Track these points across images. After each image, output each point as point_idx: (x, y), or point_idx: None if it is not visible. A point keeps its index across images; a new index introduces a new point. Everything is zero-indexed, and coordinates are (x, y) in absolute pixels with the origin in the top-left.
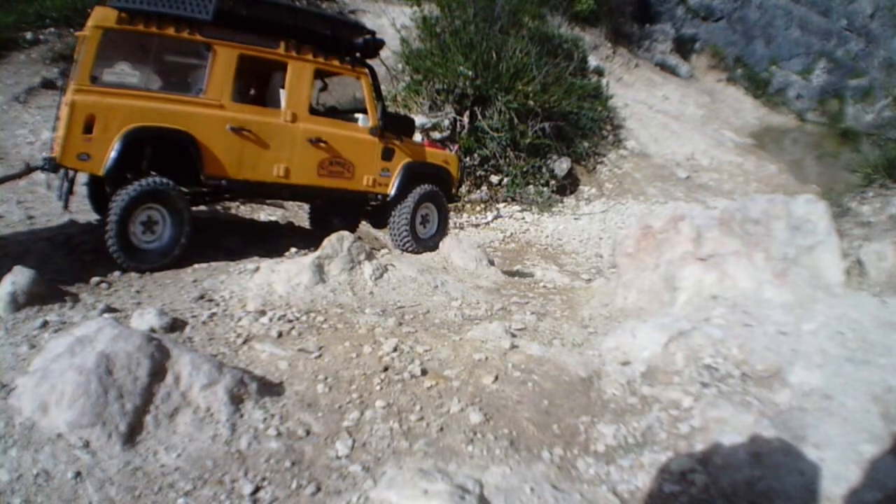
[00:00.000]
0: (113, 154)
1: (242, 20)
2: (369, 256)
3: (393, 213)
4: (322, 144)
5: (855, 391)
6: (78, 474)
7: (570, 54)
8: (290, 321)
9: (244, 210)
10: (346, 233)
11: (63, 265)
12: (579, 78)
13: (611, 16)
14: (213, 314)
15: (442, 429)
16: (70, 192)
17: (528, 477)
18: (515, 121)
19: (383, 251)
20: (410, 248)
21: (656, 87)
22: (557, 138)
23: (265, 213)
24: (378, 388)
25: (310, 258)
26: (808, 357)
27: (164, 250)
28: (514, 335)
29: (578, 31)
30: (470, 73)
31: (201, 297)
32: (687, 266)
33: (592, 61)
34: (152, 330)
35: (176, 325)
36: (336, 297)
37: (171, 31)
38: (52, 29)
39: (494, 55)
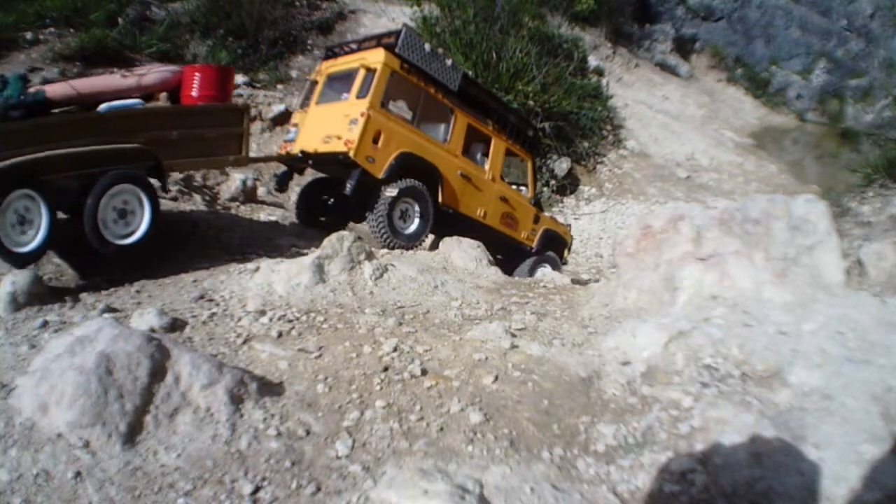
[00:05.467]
0: (391, 165)
1: (470, 98)
2: (369, 256)
3: (527, 260)
4: (505, 202)
5: (855, 391)
6: (78, 474)
7: (570, 54)
8: (290, 321)
9: (244, 210)
10: (346, 233)
11: (63, 265)
12: (579, 78)
13: (611, 16)
14: (213, 314)
15: (442, 429)
16: (288, 181)
17: (528, 477)
18: None
19: (383, 251)
20: None
21: (656, 87)
22: (557, 138)
23: (265, 213)
24: (378, 388)
25: (310, 258)
26: (808, 357)
27: (413, 235)
28: (514, 335)
29: (578, 31)
30: (470, 73)
31: (201, 297)
32: (687, 266)
33: (592, 61)
34: (152, 330)
35: (176, 325)
36: (336, 297)
37: (431, 90)
38: (52, 29)
39: (494, 55)
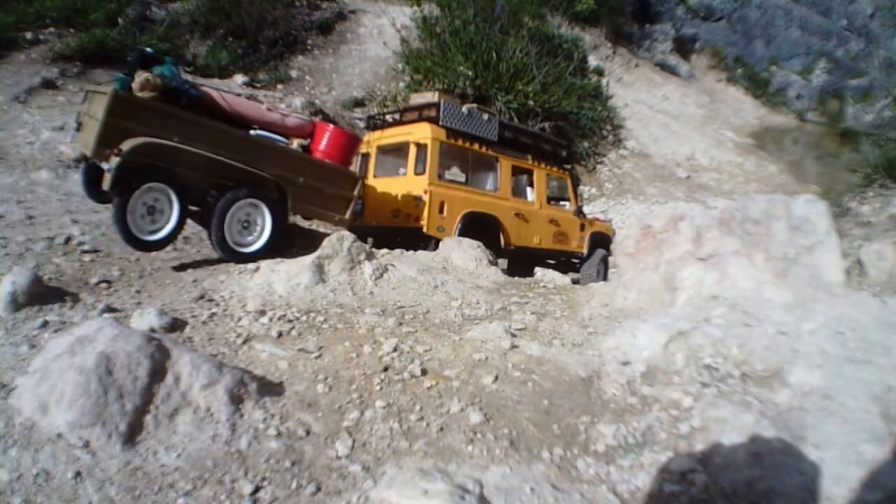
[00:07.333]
0: (458, 228)
1: (509, 142)
2: (369, 256)
3: (585, 264)
4: (555, 223)
5: (855, 391)
6: (78, 474)
7: (570, 54)
8: (290, 321)
9: None
10: (346, 233)
11: (63, 265)
12: (579, 78)
13: (611, 16)
14: (213, 314)
15: (442, 429)
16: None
17: (528, 477)
18: (515, 121)
19: (383, 251)
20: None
21: (656, 87)
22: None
23: None
24: (378, 388)
25: (310, 258)
26: (808, 357)
27: None
28: (514, 335)
29: (578, 31)
30: (470, 73)
31: (201, 297)
32: (687, 266)
33: (592, 61)
34: (152, 330)
35: (176, 325)
36: (336, 297)
37: (476, 147)
38: (52, 29)
39: (494, 55)
